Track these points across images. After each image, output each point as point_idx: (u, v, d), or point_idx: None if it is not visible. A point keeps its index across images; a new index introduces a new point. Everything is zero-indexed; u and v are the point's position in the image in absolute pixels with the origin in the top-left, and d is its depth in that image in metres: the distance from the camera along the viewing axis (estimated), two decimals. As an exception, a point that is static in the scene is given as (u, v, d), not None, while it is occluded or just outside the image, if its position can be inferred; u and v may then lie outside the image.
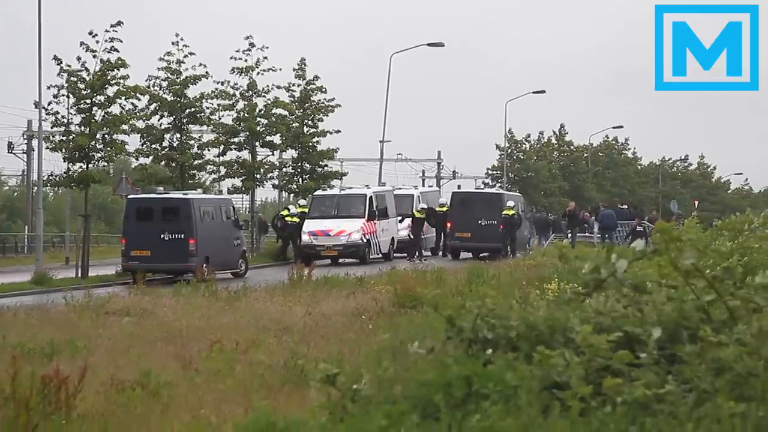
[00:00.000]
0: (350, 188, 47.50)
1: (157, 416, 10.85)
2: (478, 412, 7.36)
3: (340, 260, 42.82)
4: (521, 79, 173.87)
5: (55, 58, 37.31)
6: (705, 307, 7.96)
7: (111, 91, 37.38)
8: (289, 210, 46.39)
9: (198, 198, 37.96)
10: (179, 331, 18.19)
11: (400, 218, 47.15)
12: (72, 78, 37.18)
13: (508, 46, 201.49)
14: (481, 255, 43.75)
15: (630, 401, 7.23)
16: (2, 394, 10.07)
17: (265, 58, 49.21)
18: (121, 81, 37.46)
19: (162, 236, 35.46)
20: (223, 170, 49.76)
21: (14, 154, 71.51)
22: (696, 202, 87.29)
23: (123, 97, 37.66)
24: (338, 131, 52.57)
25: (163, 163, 47.05)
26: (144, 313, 21.32)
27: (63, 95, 37.43)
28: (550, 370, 7.52)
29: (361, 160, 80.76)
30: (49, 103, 37.50)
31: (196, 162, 47.35)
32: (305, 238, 42.96)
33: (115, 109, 37.62)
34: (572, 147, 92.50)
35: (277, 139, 51.23)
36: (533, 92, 71.05)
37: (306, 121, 52.11)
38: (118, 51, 37.22)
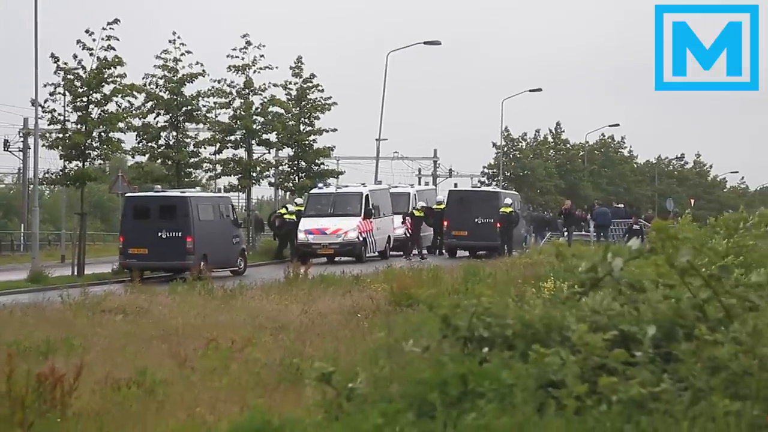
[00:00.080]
0: (346, 186, 47.51)
1: (152, 414, 10.84)
2: (474, 410, 7.36)
3: (337, 258, 42.83)
4: (518, 77, 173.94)
5: (53, 56, 37.32)
6: (701, 306, 7.96)
7: (108, 89, 37.37)
8: (287, 208, 46.40)
9: (196, 196, 37.96)
10: (175, 329, 18.17)
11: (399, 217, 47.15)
12: (69, 76, 37.16)
13: (505, 45, 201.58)
14: (478, 253, 43.78)
15: (625, 400, 7.23)
16: (-2, 393, 10.08)
17: (262, 56, 49.36)
18: (118, 79, 37.46)
19: (159, 234, 35.49)
20: (219, 168, 49.77)
21: (10, 152, 71.59)
22: (692, 201, 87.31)
23: (119, 95, 37.65)
24: (335, 130, 52.68)
25: (159, 161, 47.05)
26: (140, 311, 21.30)
27: (59, 93, 37.42)
28: (546, 369, 7.52)
29: (358, 158, 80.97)
30: (45, 101, 37.52)
31: (192, 160, 47.33)
32: (301, 236, 42.96)
33: (111, 107, 37.68)
34: (568, 145, 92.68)
35: (273, 137, 51.27)
36: (530, 90, 71.02)
37: (302, 119, 52.17)
38: (114, 49, 37.26)
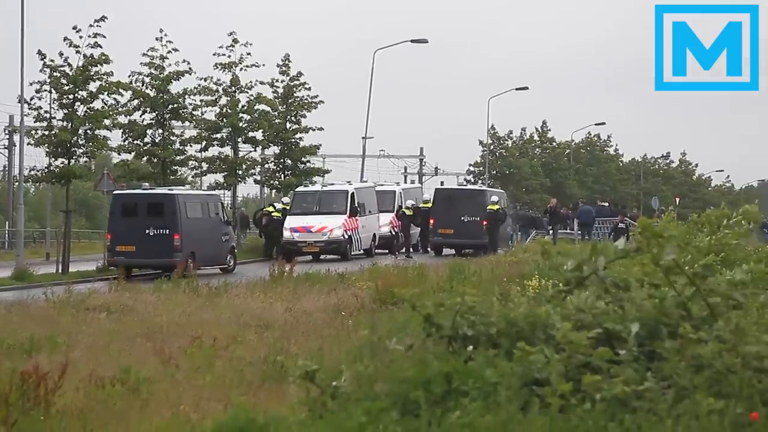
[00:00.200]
0: (331, 184, 47.48)
1: (136, 412, 10.82)
2: (458, 408, 7.36)
3: (322, 256, 42.80)
4: (504, 76, 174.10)
5: (39, 53, 37.22)
6: (685, 304, 7.98)
7: (94, 86, 37.32)
8: (274, 206, 46.35)
9: (183, 194, 37.93)
10: (159, 327, 18.14)
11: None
12: (55, 73, 37.07)
13: (491, 43, 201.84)
14: (463, 251, 43.80)
15: (609, 398, 7.24)
16: (-19, 390, 10.04)
17: (249, 54, 49.26)
18: (104, 76, 37.38)
19: (147, 232, 35.45)
20: (205, 166, 49.73)
21: (-5, 149, 71.22)
22: (677, 199, 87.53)
23: (106, 93, 37.59)
24: (321, 128, 52.62)
25: (145, 158, 46.94)
26: (124, 309, 21.26)
27: (46, 90, 37.38)
28: (530, 367, 7.53)
29: (344, 156, 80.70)
30: (31, 98, 37.42)
31: (178, 158, 47.22)
32: (287, 234, 42.91)
33: (97, 105, 37.63)
34: (554, 144, 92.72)
35: (259, 135, 51.23)
36: (516, 89, 71.03)
37: (289, 117, 52.14)
38: (101, 46, 37.17)
